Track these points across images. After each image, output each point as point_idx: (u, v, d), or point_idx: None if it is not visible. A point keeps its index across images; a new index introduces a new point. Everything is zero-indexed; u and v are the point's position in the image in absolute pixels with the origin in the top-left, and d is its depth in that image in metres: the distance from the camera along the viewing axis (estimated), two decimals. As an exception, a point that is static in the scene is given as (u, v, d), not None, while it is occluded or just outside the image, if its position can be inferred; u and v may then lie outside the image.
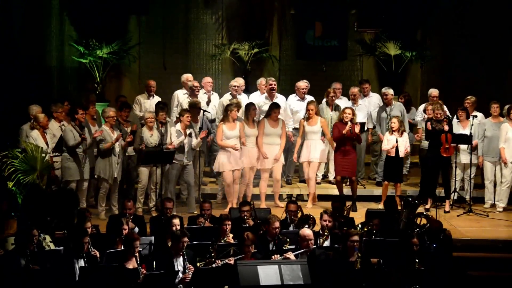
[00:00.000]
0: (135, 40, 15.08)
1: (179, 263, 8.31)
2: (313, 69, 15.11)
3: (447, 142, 11.48)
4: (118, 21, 14.94)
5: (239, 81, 12.73)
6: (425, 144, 11.91)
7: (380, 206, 11.38)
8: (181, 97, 12.58)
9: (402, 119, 12.07)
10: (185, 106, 12.18)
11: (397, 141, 11.56)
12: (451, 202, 11.84)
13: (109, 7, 14.34)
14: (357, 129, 11.53)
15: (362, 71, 15.40)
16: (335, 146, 11.73)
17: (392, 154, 11.58)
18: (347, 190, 11.82)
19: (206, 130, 11.63)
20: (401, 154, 11.58)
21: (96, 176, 11.20)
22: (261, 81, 12.82)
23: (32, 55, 14.03)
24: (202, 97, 12.58)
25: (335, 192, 11.94)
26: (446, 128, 11.46)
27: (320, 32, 15.24)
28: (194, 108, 11.77)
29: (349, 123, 11.41)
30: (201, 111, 11.99)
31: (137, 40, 15.14)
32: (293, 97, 12.77)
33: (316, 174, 12.20)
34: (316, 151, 11.76)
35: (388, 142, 11.65)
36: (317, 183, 12.39)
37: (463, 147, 11.86)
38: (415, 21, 15.14)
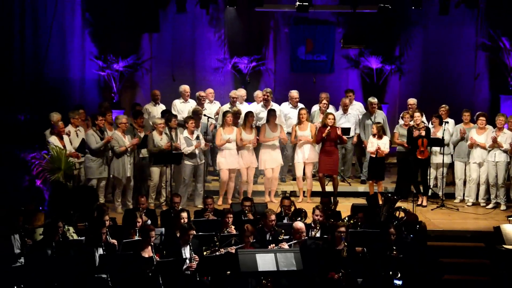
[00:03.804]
0: (147, 55, 15.14)
1: (186, 251, 8.36)
2: (304, 80, 15.12)
3: (423, 146, 11.54)
4: (133, 38, 14.99)
5: (238, 92, 12.85)
6: (401, 147, 11.96)
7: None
8: (178, 105, 12.69)
9: (384, 125, 12.15)
10: (183, 113, 12.35)
11: (378, 144, 11.63)
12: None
13: (125, 26, 14.43)
14: (338, 131, 11.61)
15: (348, 83, 15.41)
16: (319, 146, 11.80)
17: (373, 154, 11.64)
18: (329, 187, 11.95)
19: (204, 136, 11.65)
20: (382, 154, 11.61)
21: (111, 175, 11.25)
22: (257, 93, 12.97)
23: (58, 68, 14.09)
24: (205, 106, 12.63)
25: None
26: (423, 133, 11.51)
27: (310, 48, 15.34)
28: (196, 115, 11.83)
29: (328, 127, 11.47)
30: (206, 118, 12.09)
31: (150, 55, 15.19)
32: (286, 105, 12.85)
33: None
34: (310, 153, 11.81)
35: (372, 145, 11.72)
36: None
37: (435, 149, 11.92)
38: (394, 38, 15.20)
